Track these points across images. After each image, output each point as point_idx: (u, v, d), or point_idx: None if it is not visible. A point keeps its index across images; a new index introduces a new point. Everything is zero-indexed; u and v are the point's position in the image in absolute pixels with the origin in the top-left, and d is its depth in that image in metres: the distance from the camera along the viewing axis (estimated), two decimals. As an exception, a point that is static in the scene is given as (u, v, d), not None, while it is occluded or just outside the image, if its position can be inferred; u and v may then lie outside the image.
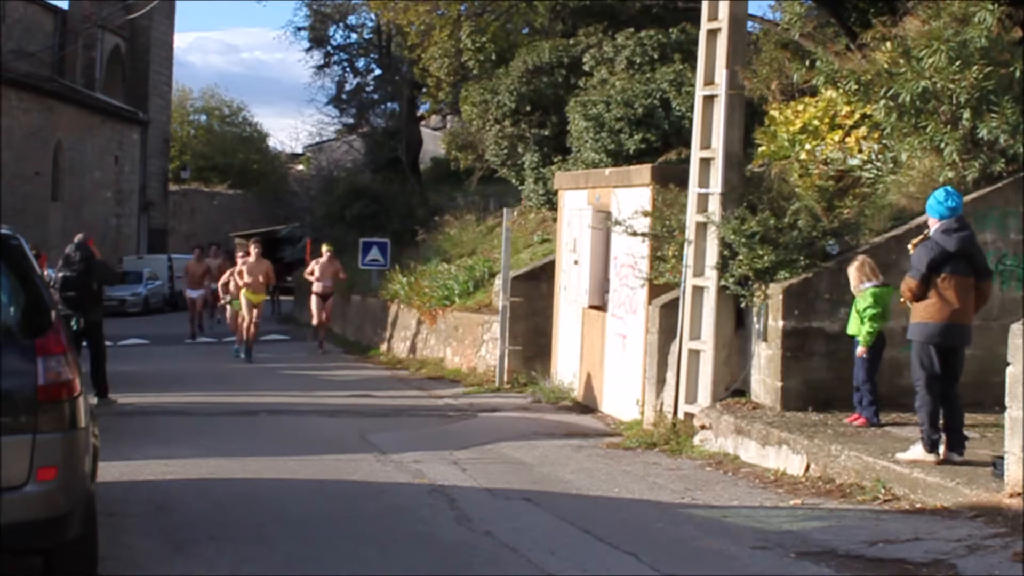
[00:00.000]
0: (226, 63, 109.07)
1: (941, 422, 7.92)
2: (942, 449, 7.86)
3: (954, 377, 7.96)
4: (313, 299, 20.30)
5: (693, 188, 10.60)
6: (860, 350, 9.11)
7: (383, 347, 20.30)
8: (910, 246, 8.18)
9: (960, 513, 7.03)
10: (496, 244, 18.36)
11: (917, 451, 7.86)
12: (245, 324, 18.84)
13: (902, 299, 8.24)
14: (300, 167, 54.20)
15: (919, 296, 7.86)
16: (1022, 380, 6.87)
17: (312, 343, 21.07)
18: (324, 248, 20.39)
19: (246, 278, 18.61)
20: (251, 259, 18.93)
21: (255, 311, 18.80)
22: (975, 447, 8.00)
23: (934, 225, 7.94)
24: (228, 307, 20.72)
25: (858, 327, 9.13)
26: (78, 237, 13.68)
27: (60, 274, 12.98)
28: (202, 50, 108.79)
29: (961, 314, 7.83)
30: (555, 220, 15.28)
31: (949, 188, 8.19)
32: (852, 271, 9.21)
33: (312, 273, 20.22)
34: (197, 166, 53.95)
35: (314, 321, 20.49)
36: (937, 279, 7.79)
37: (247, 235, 41.73)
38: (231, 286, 19.67)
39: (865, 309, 9.04)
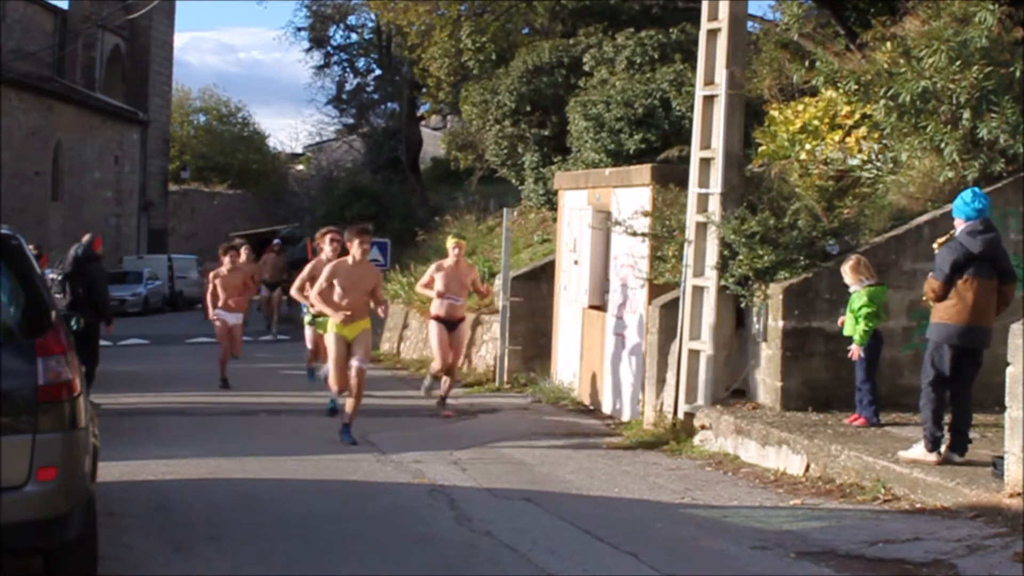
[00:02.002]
0: (223, 63, 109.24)
1: (947, 420, 7.91)
2: (943, 448, 7.86)
3: (968, 379, 7.91)
4: (433, 328, 12.39)
5: (693, 188, 10.60)
6: (854, 349, 9.09)
7: (383, 347, 20.30)
8: (935, 246, 8.14)
9: (960, 513, 7.03)
10: (496, 244, 18.37)
11: (918, 450, 7.86)
12: (350, 377, 10.36)
13: (924, 299, 8.21)
14: (300, 167, 54.30)
15: (941, 297, 7.81)
16: (1022, 380, 6.87)
17: (432, 399, 12.70)
18: (451, 243, 12.52)
19: (338, 295, 10.36)
20: (350, 261, 10.51)
21: (361, 349, 10.38)
22: (975, 447, 8.00)
23: (960, 226, 7.89)
24: (309, 328, 13.09)
25: (853, 327, 9.12)
26: (86, 237, 13.50)
27: (52, 275, 12.77)
28: (198, 50, 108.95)
29: (982, 316, 7.77)
30: (555, 220, 15.28)
31: (976, 189, 8.15)
32: (847, 271, 9.19)
33: (430, 285, 12.47)
34: (197, 166, 53.99)
35: (436, 365, 12.42)
36: (960, 281, 7.76)
37: (248, 235, 41.77)
38: (308, 295, 11.55)
39: (860, 308, 9.02)
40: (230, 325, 14.96)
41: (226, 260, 15.26)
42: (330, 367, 10.65)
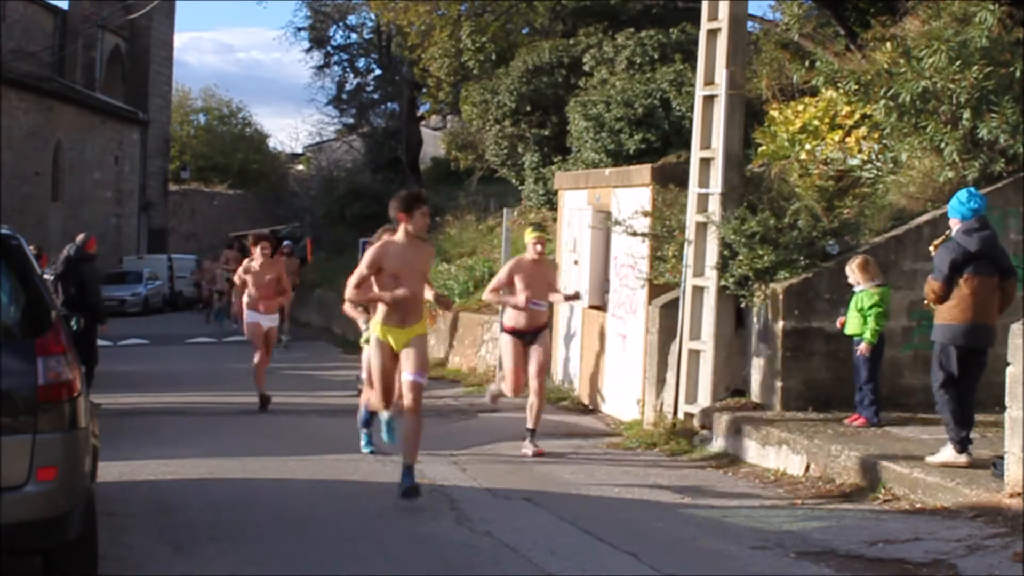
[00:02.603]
0: (222, 63, 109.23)
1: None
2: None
3: (973, 379, 7.88)
4: (507, 344, 10.15)
5: (693, 188, 10.60)
6: (863, 347, 9.07)
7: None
8: (932, 248, 8.12)
9: (960, 513, 7.02)
10: (496, 244, 18.39)
11: (947, 453, 7.78)
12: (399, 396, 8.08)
13: (925, 301, 8.19)
14: (300, 167, 54.34)
15: (943, 297, 7.79)
16: (1022, 380, 6.87)
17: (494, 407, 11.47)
18: (531, 238, 10.07)
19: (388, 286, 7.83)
20: (400, 237, 7.97)
21: (415, 359, 7.83)
22: (975, 447, 7.98)
23: (955, 226, 7.89)
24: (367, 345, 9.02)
25: (859, 326, 9.11)
26: (79, 237, 13.49)
27: (46, 275, 12.71)
28: (198, 50, 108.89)
29: (985, 315, 7.75)
30: (555, 220, 15.28)
31: (972, 189, 8.16)
32: (854, 269, 9.17)
33: (500, 289, 10.17)
34: (197, 166, 53.99)
35: (506, 389, 10.26)
36: (960, 280, 7.73)
37: (245, 235, 41.78)
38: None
39: (871, 307, 9.01)
40: (265, 329, 12.81)
41: (256, 253, 12.93)
42: (374, 387, 8.26)
